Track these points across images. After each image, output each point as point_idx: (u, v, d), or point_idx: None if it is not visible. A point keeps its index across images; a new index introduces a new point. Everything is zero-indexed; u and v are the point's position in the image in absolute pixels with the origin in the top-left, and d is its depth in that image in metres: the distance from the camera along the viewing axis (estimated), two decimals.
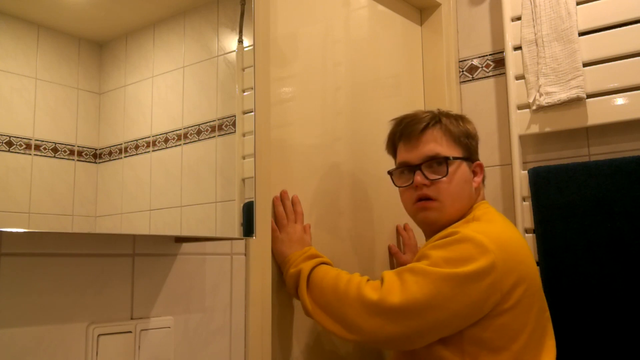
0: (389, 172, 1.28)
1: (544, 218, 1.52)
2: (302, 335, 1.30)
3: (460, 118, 1.25)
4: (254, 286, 1.14)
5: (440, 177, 1.16)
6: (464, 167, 1.20)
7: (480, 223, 1.12)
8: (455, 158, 1.18)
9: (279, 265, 1.22)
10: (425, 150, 1.19)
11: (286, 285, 1.19)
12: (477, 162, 1.24)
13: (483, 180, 1.25)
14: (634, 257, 1.39)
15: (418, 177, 1.18)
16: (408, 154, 1.22)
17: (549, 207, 1.52)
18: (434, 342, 1.05)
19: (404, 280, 1.03)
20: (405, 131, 1.23)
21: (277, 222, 1.24)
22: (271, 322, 1.17)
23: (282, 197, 1.26)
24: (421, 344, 1.05)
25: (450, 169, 1.17)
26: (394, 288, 1.03)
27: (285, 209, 1.25)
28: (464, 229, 1.07)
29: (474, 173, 1.22)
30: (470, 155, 1.22)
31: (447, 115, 1.24)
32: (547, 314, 1.13)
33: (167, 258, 1.00)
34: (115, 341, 0.89)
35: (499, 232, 1.08)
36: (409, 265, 1.06)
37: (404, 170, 1.23)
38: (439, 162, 1.18)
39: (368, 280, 1.09)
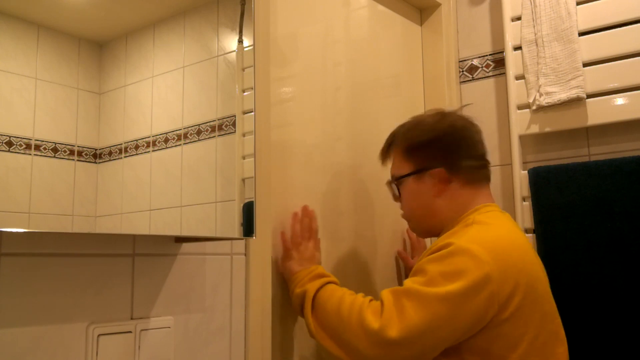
0: None
1: (544, 218, 1.53)
2: (302, 336, 1.30)
3: (418, 125, 1.21)
4: (254, 286, 1.14)
5: (395, 198, 1.28)
6: (410, 182, 1.20)
7: (477, 229, 1.09)
8: (400, 177, 1.22)
9: (286, 281, 1.22)
10: (390, 171, 1.27)
11: (292, 304, 1.19)
12: (437, 169, 1.16)
13: (472, 181, 1.17)
14: (634, 257, 1.39)
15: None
16: None
17: (549, 207, 1.52)
18: None
19: (401, 307, 1.01)
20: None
21: (292, 239, 1.24)
22: (271, 322, 1.17)
23: (303, 213, 1.27)
24: None
25: (400, 189, 1.23)
26: (392, 319, 1.01)
27: (302, 226, 1.26)
28: (458, 239, 1.05)
29: (442, 180, 1.16)
30: (423, 166, 1.18)
31: (408, 125, 1.23)
32: (558, 320, 1.09)
33: (167, 258, 1.00)
34: (115, 341, 0.89)
35: (496, 239, 1.06)
36: (406, 286, 1.03)
37: None
38: (392, 183, 1.26)
39: (371, 300, 1.07)
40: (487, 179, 1.22)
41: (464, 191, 1.17)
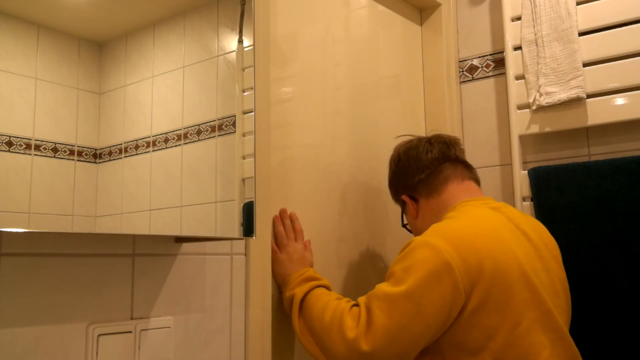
0: None
1: (546, 219, 1.52)
2: None
3: (390, 161, 1.35)
4: (254, 286, 1.14)
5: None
6: (404, 215, 1.35)
7: (441, 223, 1.10)
8: (401, 217, 1.38)
9: (280, 287, 1.22)
10: None
11: (284, 307, 1.20)
12: (402, 198, 1.31)
13: (433, 190, 1.24)
14: (636, 257, 1.39)
15: None
16: None
17: (550, 208, 1.52)
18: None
19: (371, 311, 1.02)
20: None
21: (277, 241, 1.23)
22: (271, 322, 1.17)
23: (282, 215, 1.26)
24: None
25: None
26: (364, 328, 1.01)
27: (285, 228, 1.25)
28: (421, 236, 1.06)
29: (411, 204, 1.29)
30: (398, 200, 1.34)
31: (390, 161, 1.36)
32: (546, 305, 1.05)
33: (167, 258, 1.00)
34: (115, 341, 0.89)
35: (457, 229, 1.06)
36: (375, 290, 1.05)
37: None
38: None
39: (353, 306, 1.07)
40: (447, 178, 1.24)
41: (429, 203, 1.26)
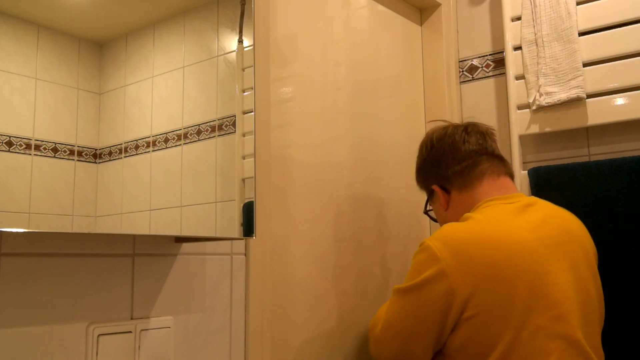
0: None
1: None
2: (302, 336, 1.30)
3: (422, 146, 1.30)
4: (254, 286, 1.14)
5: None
6: (431, 205, 1.30)
7: (451, 225, 1.09)
8: (425, 205, 1.33)
9: None
10: None
11: None
12: (433, 187, 1.25)
13: (466, 184, 1.19)
14: (637, 257, 1.39)
15: None
16: None
17: None
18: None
19: (389, 304, 1.13)
20: None
21: None
22: (271, 322, 1.17)
23: None
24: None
25: (431, 214, 1.33)
26: (380, 316, 1.16)
27: None
28: (429, 238, 1.06)
29: (443, 195, 1.24)
30: (427, 189, 1.29)
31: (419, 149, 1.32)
32: (555, 311, 1.00)
33: (167, 258, 1.00)
34: (115, 341, 0.89)
35: (462, 233, 1.04)
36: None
37: None
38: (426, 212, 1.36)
39: None
40: (483, 173, 1.19)
41: (461, 196, 1.21)
